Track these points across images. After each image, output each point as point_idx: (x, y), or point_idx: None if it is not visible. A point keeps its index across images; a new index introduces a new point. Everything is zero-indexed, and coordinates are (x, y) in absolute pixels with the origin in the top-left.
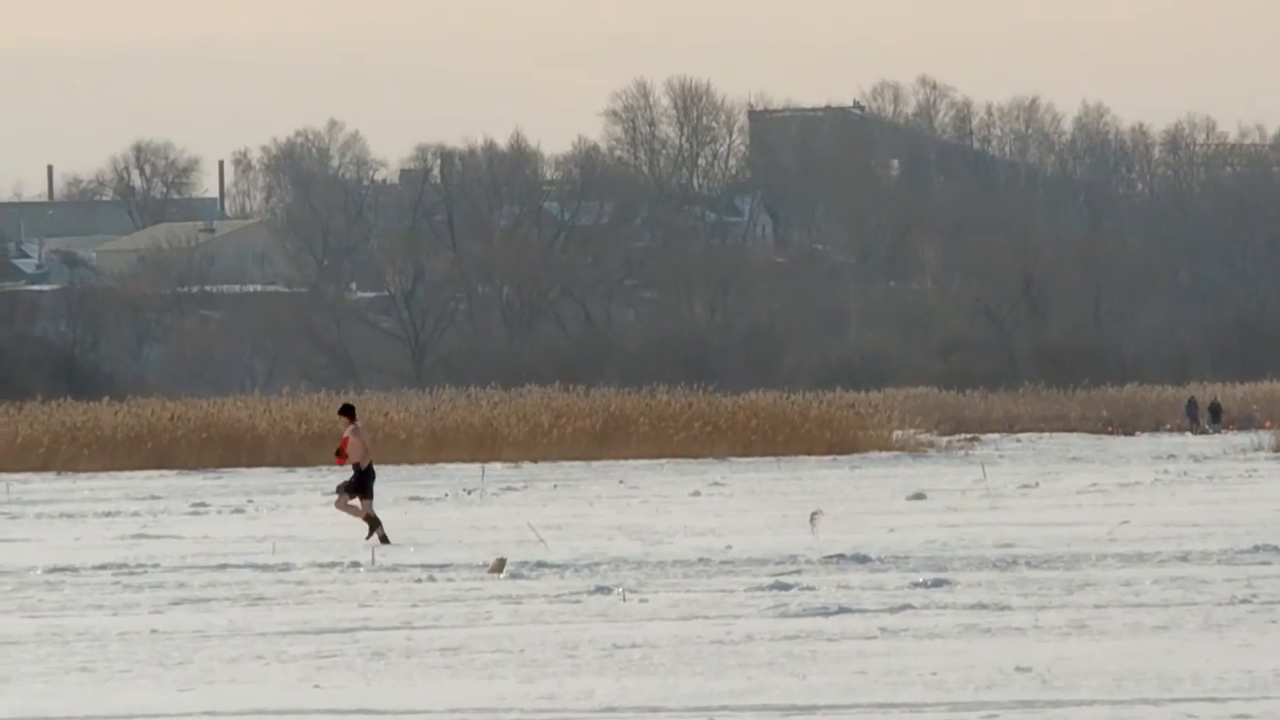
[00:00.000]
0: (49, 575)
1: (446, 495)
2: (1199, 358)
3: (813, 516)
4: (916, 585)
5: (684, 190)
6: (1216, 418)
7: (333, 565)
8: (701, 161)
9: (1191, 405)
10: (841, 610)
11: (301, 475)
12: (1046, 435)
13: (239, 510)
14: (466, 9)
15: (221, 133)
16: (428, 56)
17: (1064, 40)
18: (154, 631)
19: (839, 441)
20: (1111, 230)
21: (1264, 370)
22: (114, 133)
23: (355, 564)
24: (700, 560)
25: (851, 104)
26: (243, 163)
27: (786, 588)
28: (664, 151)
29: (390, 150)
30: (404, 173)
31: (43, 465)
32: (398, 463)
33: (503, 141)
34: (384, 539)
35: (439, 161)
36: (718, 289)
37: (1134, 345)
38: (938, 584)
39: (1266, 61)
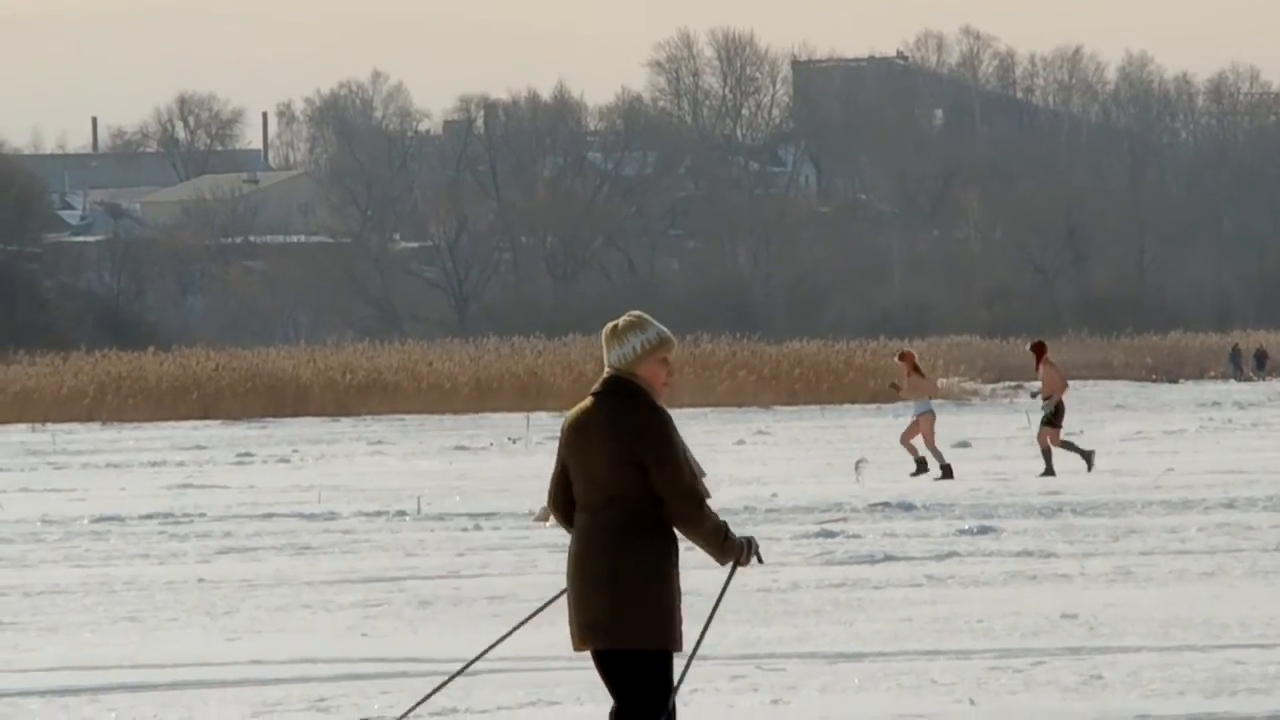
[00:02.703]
0: (95, 525)
1: (491, 444)
2: (1242, 305)
3: (857, 464)
4: (962, 533)
5: (727, 141)
6: (1261, 365)
7: (379, 514)
8: (745, 112)
9: (1235, 353)
10: (887, 558)
11: (346, 425)
12: (1090, 383)
13: (284, 460)
14: None
15: (265, 84)
16: (471, 7)
17: None
18: (201, 581)
19: (883, 390)
20: (1155, 179)
21: None
22: (158, 84)
23: (401, 513)
24: (746, 509)
25: (895, 54)
26: (286, 114)
27: (832, 535)
28: (707, 102)
29: (434, 101)
30: (448, 124)
31: (88, 415)
32: (442, 412)
33: (546, 92)
34: None
35: (482, 112)
36: (761, 239)
37: (1177, 293)
38: (983, 531)
39: None
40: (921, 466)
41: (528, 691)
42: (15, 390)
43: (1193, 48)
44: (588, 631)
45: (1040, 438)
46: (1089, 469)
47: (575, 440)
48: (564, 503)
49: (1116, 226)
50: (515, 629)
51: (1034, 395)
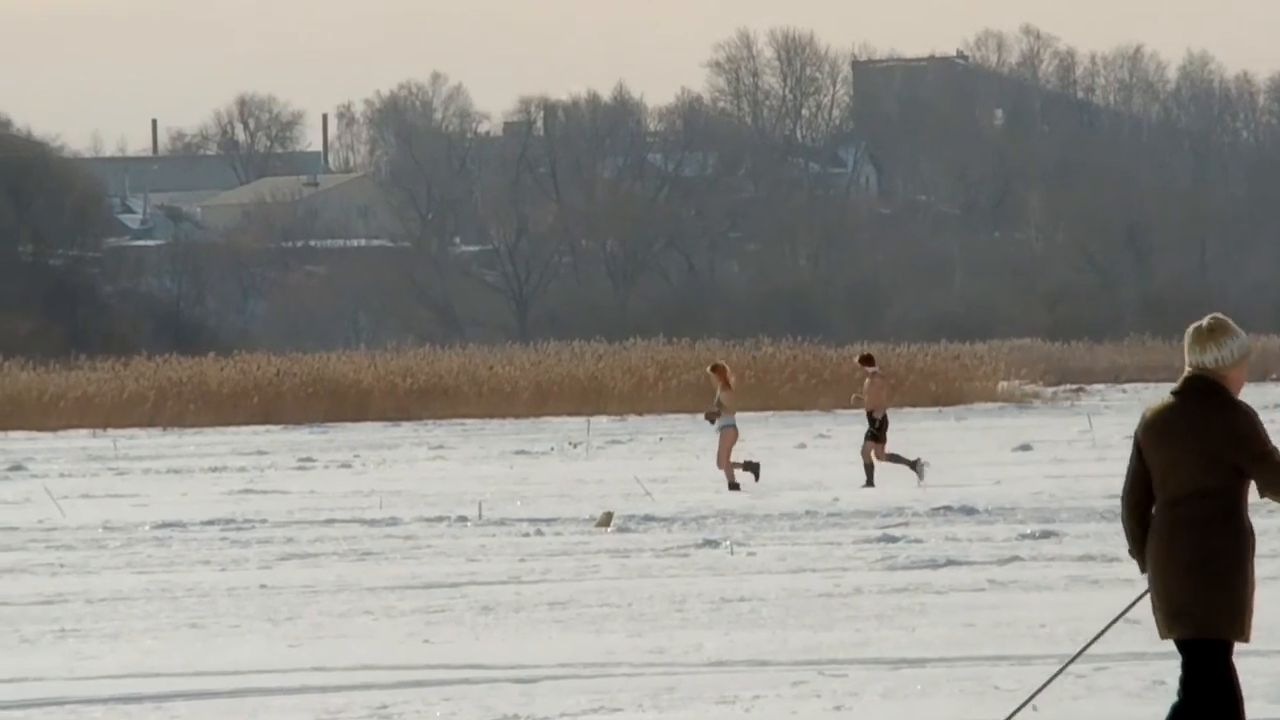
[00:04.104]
0: (157, 531)
1: (552, 449)
2: None
3: (919, 468)
4: (1024, 537)
5: (787, 141)
6: None
7: (440, 520)
8: (805, 112)
9: None
10: (949, 562)
11: (407, 429)
12: (1152, 385)
13: (345, 465)
14: None
15: (325, 86)
16: (530, 8)
17: None
18: (262, 587)
19: (944, 393)
20: (1216, 179)
21: None
22: (218, 87)
23: (463, 518)
24: (807, 513)
25: (955, 54)
26: (346, 116)
27: (894, 540)
28: (767, 103)
29: (493, 103)
30: (507, 125)
31: (149, 421)
32: (503, 417)
33: (606, 93)
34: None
35: (542, 114)
36: (821, 240)
37: (1239, 294)
38: (1045, 535)
39: None
40: (754, 471)
41: (590, 699)
42: (76, 395)
43: (1254, 46)
44: (1174, 619)
45: (864, 451)
46: (920, 480)
47: (1159, 438)
48: (1140, 499)
49: (1178, 226)
50: (1111, 624)
51: (854, 399)
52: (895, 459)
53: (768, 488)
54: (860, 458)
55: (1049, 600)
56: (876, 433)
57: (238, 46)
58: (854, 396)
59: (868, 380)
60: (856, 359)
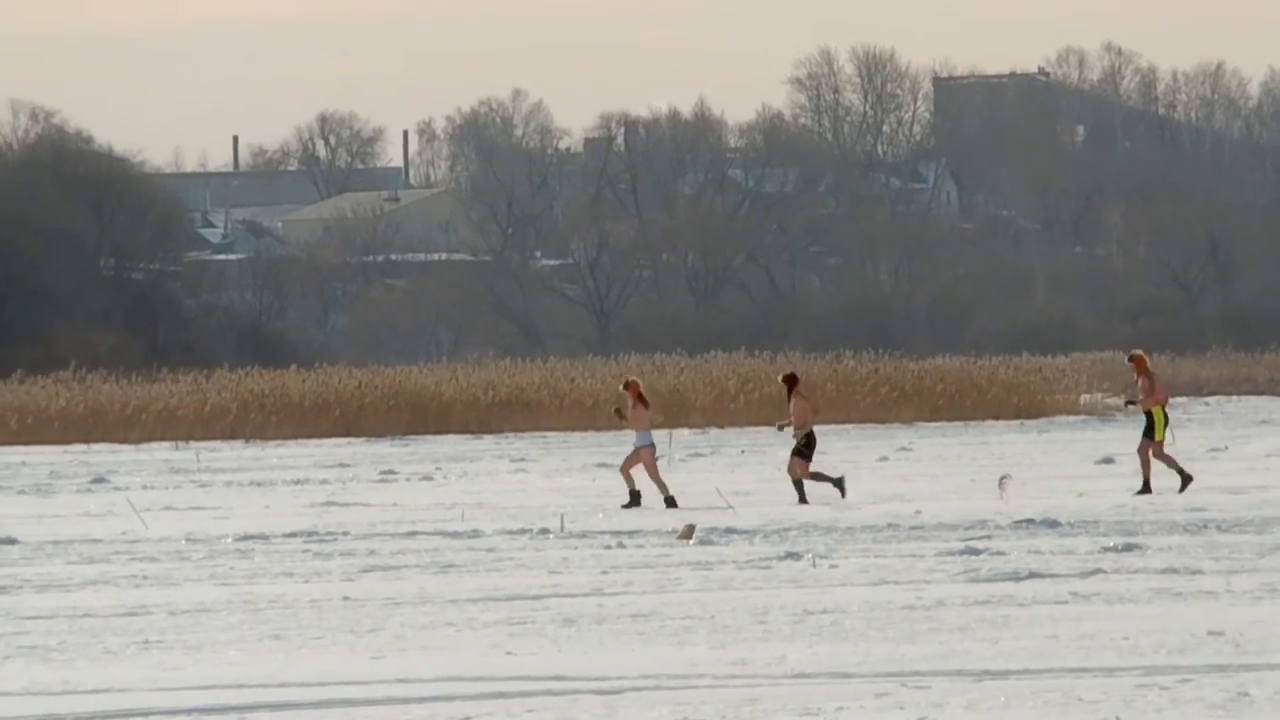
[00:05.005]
0: (240, 543)
1: None
2: None
3: (1001, 481)
4: (1107, 550)
5: (868, 157)
6: None
7: (522, 532)
8: (886, 128)
9: None
10: (1032, 575)
11: (489, 442)
12: (1235, 399)
13: (427, 477)
14: None
15: (406, 103)
16: (611, 25)
17: (1250, 4)
18: (345, 599)
19: (1026, 406)
20: None
21: None
22: (299, 103)
23: (545, 531)
24: (889, 525)
25: (1036, 70)
26: (427, 132)
27: (976, 553)
28: (848, 119)
29: (574, 119)
30: (588, 141)
31: (231, 433)
32: (584, 430)
33: (686, 109)
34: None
35: (623, 130)
36: (902, 255)
37: None
38: (1128, 548)
39: None
40: (634, 500)
41: (672, 710)
42: (159, 408)
43: None
44: None
45: (790, 468)
46: (842, 496)
47: None
48: None
49: (1260, 242)
50: None
51: (781, 428)
52: (819, 477)
53: (850, 500)
54: (787, 475)
55: (1132, 612)
56: (804, 450)
57: (319, 63)
58: (779, 425)
59: (793, 400)
60: (780, 378)
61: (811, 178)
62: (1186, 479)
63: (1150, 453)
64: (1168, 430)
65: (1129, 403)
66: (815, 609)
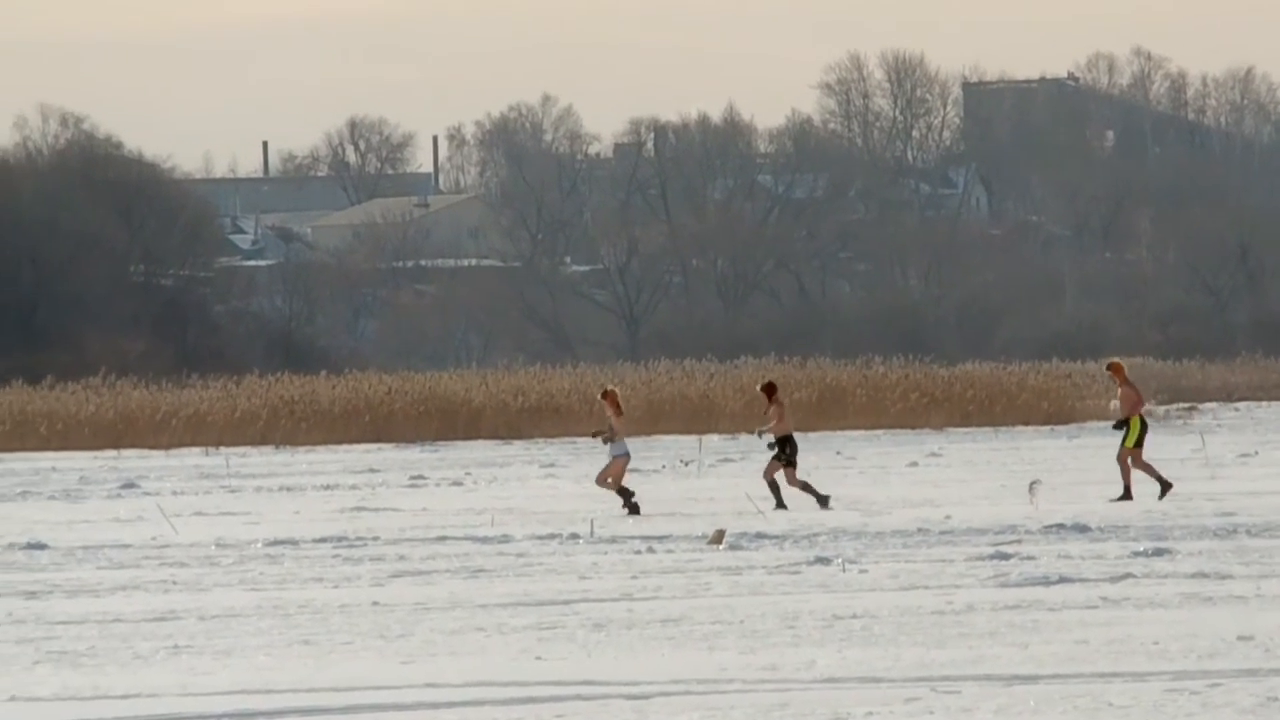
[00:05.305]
0: (269, 548)
1: (664, 467)
2: None
3: (1031, 486)
4: (1137, 554)
5: (898, 163)
6: None
7: (552, 537)
8: (915, 134)
9: None
10: (1062, 580)
11: (518, 448)
12: (1265, 404)
13: (457, 483)
14: None
15: (435, 108)
16: (640, 30)
17: None
18: (375, 604)
19: (1056, 412)
20: None
21: None
22: (328, 109)
23: (574, 536)
24: (919, 530)
25: (1066, 75)
26: (456, 138)
27: (1006, 557)
28: (878, 124)
29: (604, 124)
30: (618, 146)
31: (261, 439)
32: None
33: (716, 115)
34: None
35: (652, 135)
36: (932, 261)
37: None
38: (1158, 553)
39: None
40: (629, 502)
41: (702, 715)
42: (189, 414)
43: None
44: None
45: (776, 475)
46: (822, 507)
47: None
48: None
49: None
50: None
51: (760, 434)
52: (769, 482)
53: (880, 505)
54: (766, 476)
55: (1162, 617)
56: (788, 458)
57: (348, 69)
58: (758, 431)
59: (772, 408)
60: (759, 387)
61: (841, 183)
62: (1166, 486)
63: (1130, 460)
64: (1145, 438)
65: (1119, 424)
66: (845, 614)
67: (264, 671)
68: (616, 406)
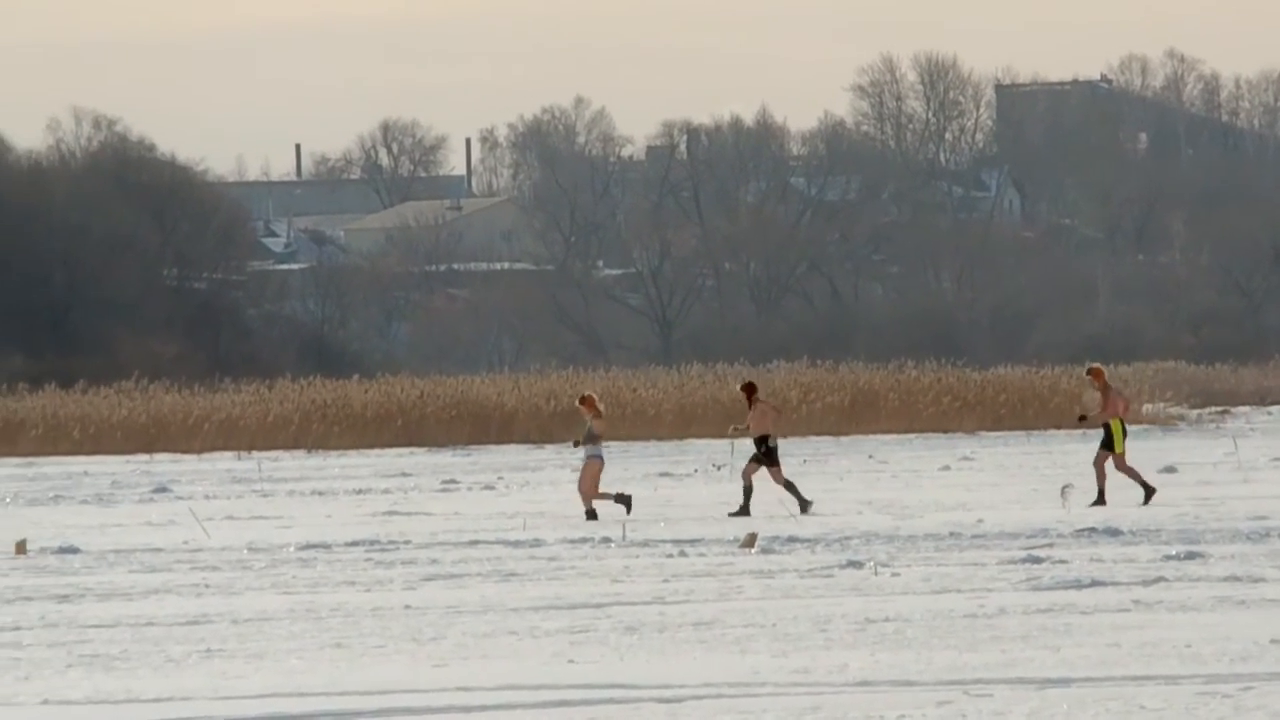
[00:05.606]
0: (302, 552)
1: (696, 471)
2: None
3: (1063, 490)
4: (1169, 558)
5: (931, 165)
6: None
7: (583, 541)
8: (948, 136)
9: None
10: (1094, 583)
11: (550, 452)
12: None
13: (489, 487)
14: None
15: (468, 111)
16: (673, 32)
17: None
18: (407, 608)
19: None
20: None
21: None
22: (361, 112)
23: (606, 539)
24: (951, 534)
25: (1099, 77)
26: (489, 140)
27: (1038, 561)
28: (910, 126)
29: (636, 127)
30: (650, 149)
31: (294, 443)
32: (646, 439)
33: (749, 117)
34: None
35: (685, 138)
36: (965, 264)
37: None
38: (1190, 557)
39: None
40: (624, 502)
41: (734, 718)
42: (221, 418)
43: None
44: None
45: (744, 473)
46: (802, 512)
47: None
48: None
49: None
50: None
51: (734, 430)
52: (790, 487)
53: (913, 509)
54: (740, 479)
55: (1194, 621)
56: (769, 457)
57: (381, 72)
58: (733, 427)
59: (754, 408)
60: (739, 387)
61: (874, 186)
62: (1150, 491)
63: (1108, 465)
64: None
65: (1082, 417)
66: (877, 617)
67: (296, 675)
68: (595, 410)
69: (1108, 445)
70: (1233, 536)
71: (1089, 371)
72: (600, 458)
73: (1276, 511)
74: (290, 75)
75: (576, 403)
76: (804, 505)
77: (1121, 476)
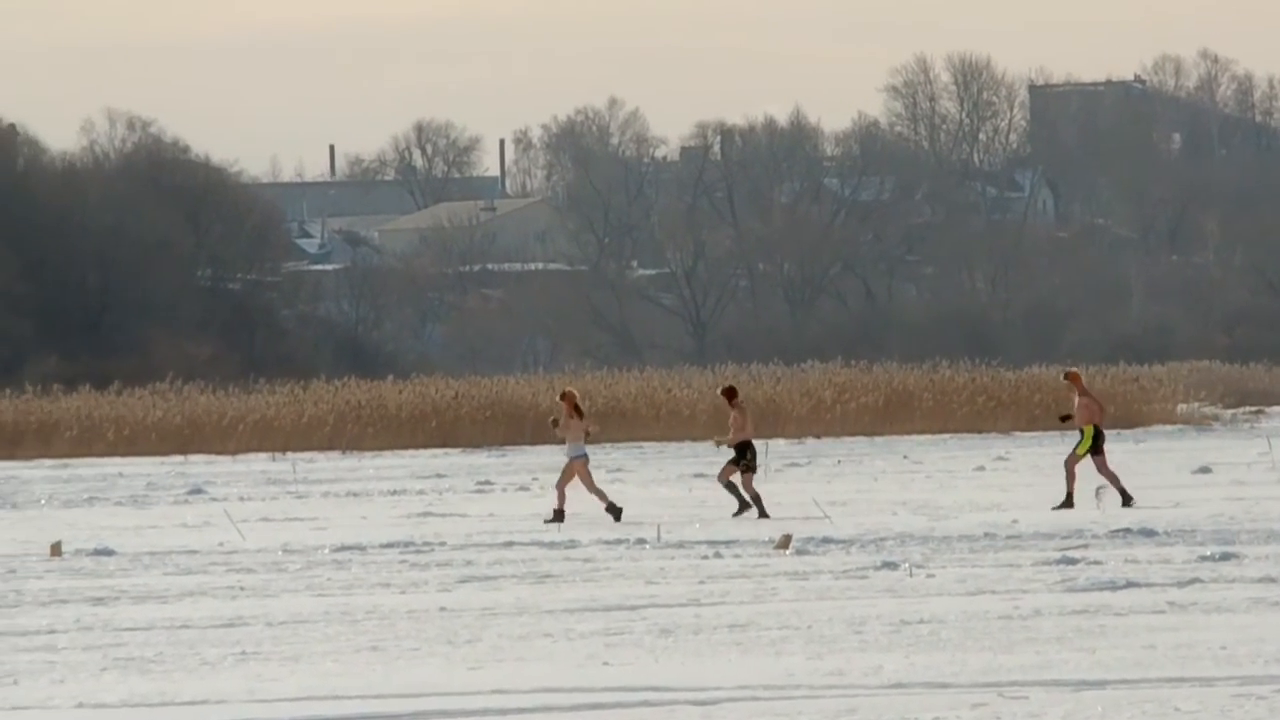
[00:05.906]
0: (337, 554)
1: None
2: None
3: (1098, 491)
4: (1204, 559)
5: (964, 165)
6: None
7: (619, 542)
8: (982, 137)
9: None
10: (1129, 584)
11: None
12: None
13: (523, 488)
14: None
15: (502, 111)
16: (707, 34)
17: None
18: (442, 610)
19: (1122, 415)
20: None
21: None
22: (395, 113)
23: (641, 541)
24: (986, 535)
25: (1132, 78)
26: (523, 141)
27: (1073, 562)
28: (944, 127)
29: (670, 128)
30: (684, 150)
31: (328, 444)
32: (681, 440)
33: (783, 118)
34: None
35: (719, 138)
36: (999, 264)
37: None
38: (1225, 557)
39: None
40: (559, 517)
41: None
42: (255, 419)
43: None
44: None
45: (745, 484)
46: (759, 516)
47: None
48: None
49: None
50: None
51: (719, 444)
52: (749, 495)
53: (947, 510)
54: (744, 490)
55: (1230, 622)
56: (749, 463)
57: (415, 73)
58: (715, 440)
59: (734, 413)
60: (719, 391)
61: (908, 186)
62: (1068, 504)
63: (1076, 466)
64: (1103, 446)
65: (1064, 417)
66: (912, 619)
67: (331, 677)
68: (574, 407)
69: (1098, 449)
70: (1268, 537)
71: (1066, 376)
72: (585, 456)
73: None
74: (324, 76)
75: (557, 398)
76: (742, 508)
77: (1101, 479)
